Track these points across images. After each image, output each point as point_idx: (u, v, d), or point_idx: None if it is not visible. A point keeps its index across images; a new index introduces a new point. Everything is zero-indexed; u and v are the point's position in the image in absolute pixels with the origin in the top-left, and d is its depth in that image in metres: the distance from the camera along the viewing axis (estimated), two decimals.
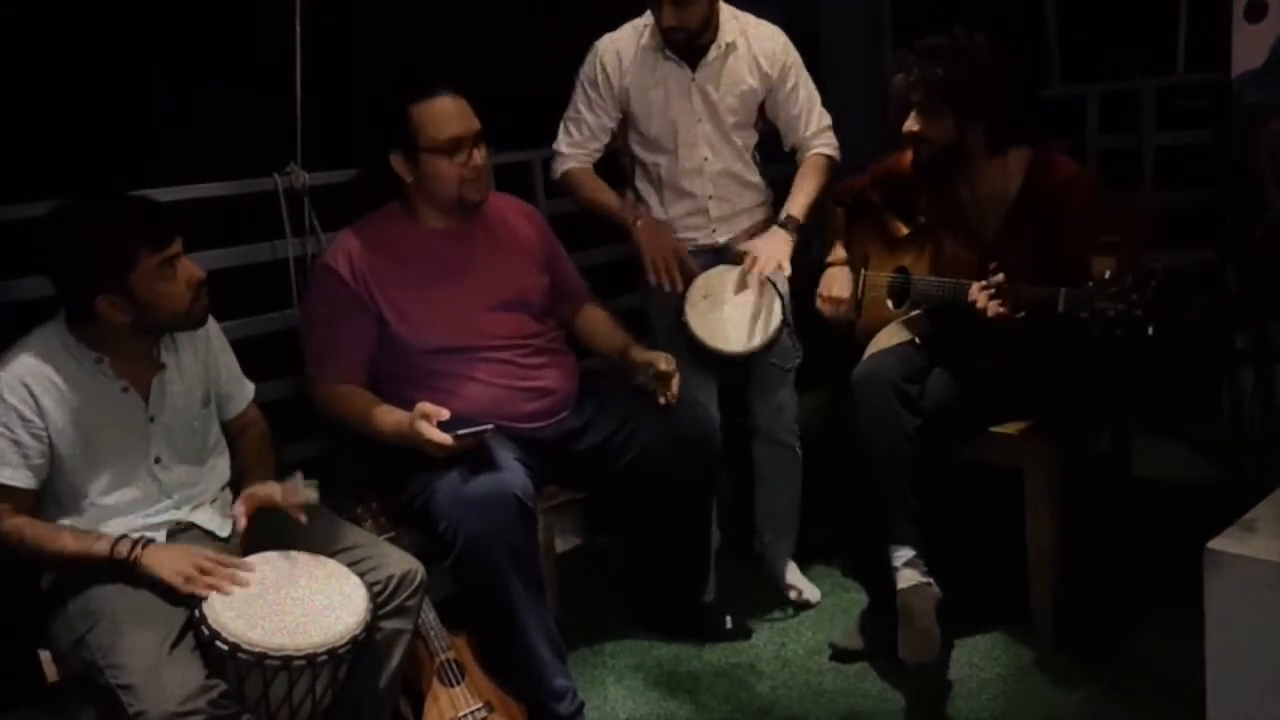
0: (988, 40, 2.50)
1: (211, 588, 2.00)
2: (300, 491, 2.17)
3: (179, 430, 2.20)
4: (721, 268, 2.83)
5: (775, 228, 2.85)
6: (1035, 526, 2.64)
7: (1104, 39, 4.15)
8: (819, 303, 2.93)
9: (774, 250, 2.78)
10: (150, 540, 2.06)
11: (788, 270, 2.79)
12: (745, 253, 2.81)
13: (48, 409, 2.04)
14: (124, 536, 2.03)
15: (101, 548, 2.01)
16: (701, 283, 2.80)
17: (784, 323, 2.79)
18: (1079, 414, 2.76)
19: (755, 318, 2.77)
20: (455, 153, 2.47)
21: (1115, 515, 3.04)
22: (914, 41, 2.55)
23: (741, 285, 2.78)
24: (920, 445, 2.50)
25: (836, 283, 2.91)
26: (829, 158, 2.94)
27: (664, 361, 2.60)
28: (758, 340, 2.76)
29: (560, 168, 2.94)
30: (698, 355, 2.76)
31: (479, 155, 2.50)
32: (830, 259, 2.95)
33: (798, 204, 2.87)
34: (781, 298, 2.79)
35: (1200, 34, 3.94)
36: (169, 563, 2.01)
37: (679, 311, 2.78)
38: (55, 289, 2.11)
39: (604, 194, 2.91)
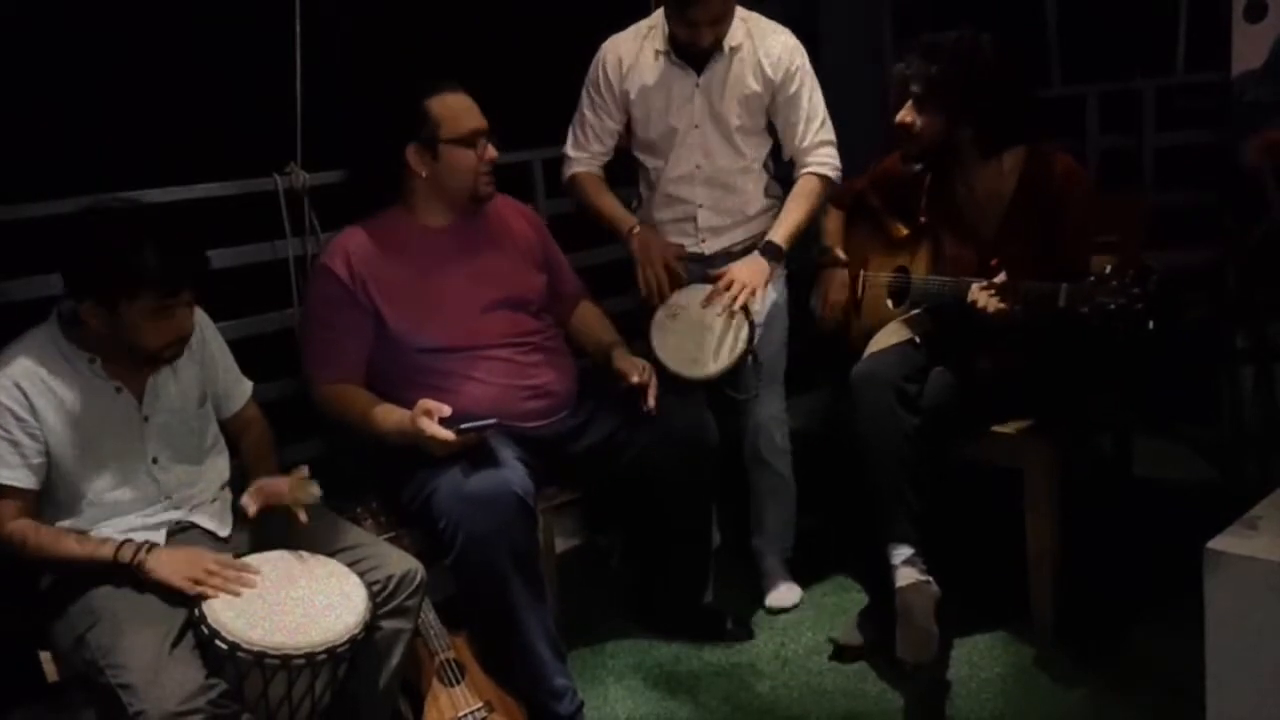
0: (992, 43, 2.50)
1: (220, 590, 2.00)
2: (307, 489, 2.17)
3: (176, 430, 2.20)
4: (694, 287, 2.77)
5: (755, 253, 2.79)
6: (1035, 526, 2.63)
7: (1104, 39, 4.15)
8: (816, 305, 2.91)
9: (750, 277, 2.71)
10: (154, 545, 2.05)
11: (759, 302, 2.72)
12: (721, 274, 2.74)
13: (42, 409, 2.03)
14: (127, 540, 2.03)
15: (105, 552, 2.00)
16: (671, 302, 2.76)
17: (747, 352, 2.70)
18: (1079, 414, 2.76)
19: (719, 343, 2.68)
20: (475, 144, 2.50)
21: (1115, 515, 3.04)
22: (921, 35, 2.55)
23: (709, 307, 2.71)
24: (919, 444, 2.50)
25: (834, 285, 2.90)
26: (823, 178, 2.84)
27: (636, 374, 2.57)
28: (714, 367, 2.67)
29: (567, 172, 2.93)
30: (659, 374, 2.66)
31: (492, 150, 2.55)
32: (826, 260, 2.93)
33: (782, 230, 2.80)
34: (752, 326, 2.71)
35: (1200, 34, 3.94)
36: (174, 566, 2.01)
37: (645, 329, 2.74)
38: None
39: (605, 200, 2.89)
